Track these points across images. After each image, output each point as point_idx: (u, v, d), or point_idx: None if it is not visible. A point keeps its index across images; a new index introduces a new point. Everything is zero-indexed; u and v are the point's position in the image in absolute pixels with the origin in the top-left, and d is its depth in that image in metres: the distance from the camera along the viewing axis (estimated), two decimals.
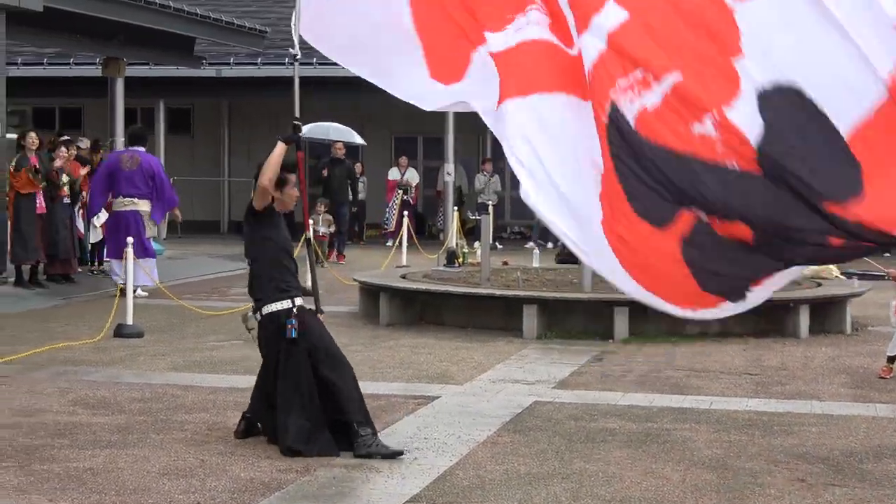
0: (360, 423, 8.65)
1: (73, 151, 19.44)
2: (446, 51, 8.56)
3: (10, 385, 11.11)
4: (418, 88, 8.66)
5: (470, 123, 32.12)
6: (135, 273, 16.23)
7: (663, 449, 8.99)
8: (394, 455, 8.52)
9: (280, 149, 8.85)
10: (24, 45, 27.11)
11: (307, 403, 8.73)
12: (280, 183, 8.95)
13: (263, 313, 9.01)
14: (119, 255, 17.44)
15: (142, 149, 19.07)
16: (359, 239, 30.63)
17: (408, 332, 14.98)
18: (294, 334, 8.76)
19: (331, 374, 8.80)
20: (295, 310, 8.87)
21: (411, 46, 8.63)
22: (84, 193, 19.54)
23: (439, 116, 29.67)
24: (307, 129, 25.58)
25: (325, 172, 25.57)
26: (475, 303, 15.38)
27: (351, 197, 26.59)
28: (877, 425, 10.00)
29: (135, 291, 16.53)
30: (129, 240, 15.22)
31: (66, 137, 20.04)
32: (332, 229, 24.28)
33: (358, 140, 27.54)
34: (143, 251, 17.91)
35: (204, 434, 9.26)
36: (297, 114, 9.22)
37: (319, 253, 22.20)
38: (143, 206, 18.43)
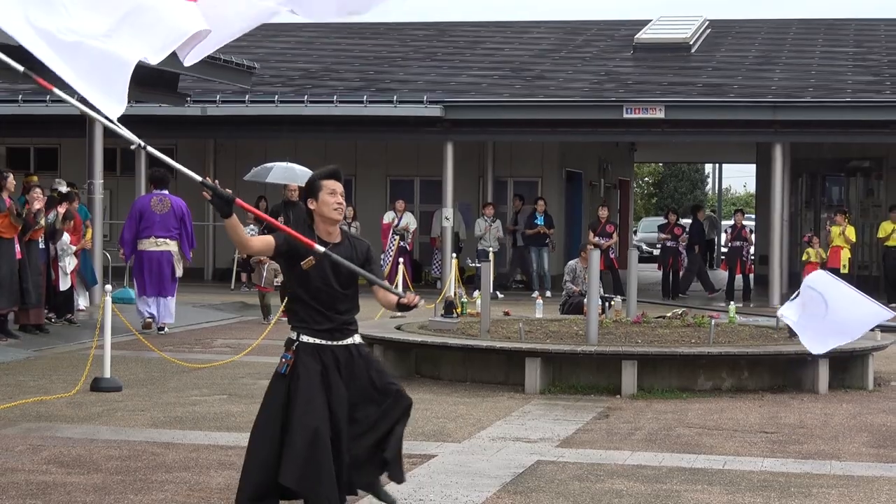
0: None
1: (50, 195, 19.62)
2: None
3: None
4: None
5: (470, 165, 32.36)
6: (158, 310, 20.17)
7: None
8: None
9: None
10: None
11: None
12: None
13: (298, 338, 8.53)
14: (150, 292, 20.14)
15: (166, 191, 20.65)
16: None
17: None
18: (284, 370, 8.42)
19: None
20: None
21: None
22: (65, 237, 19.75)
23: (437, 158, 29.81)
24: (274, 171, 25.40)
25: (281, 217, 24.85)
26: (474, 355, 15.36)
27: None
28: None
29: (161, 329, 20.17)
30: (108, 287, 15.30)
31: (64, 186, 20.40)
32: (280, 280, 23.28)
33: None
34: (174, 290, 20.46)
35: (185, 494, 9.24)
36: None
37: (264, 308, 22.42)
38: (173, 246, 20.34)
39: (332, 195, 8.36)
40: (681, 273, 31.81)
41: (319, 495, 7.94)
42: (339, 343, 8.36)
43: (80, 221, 20.65)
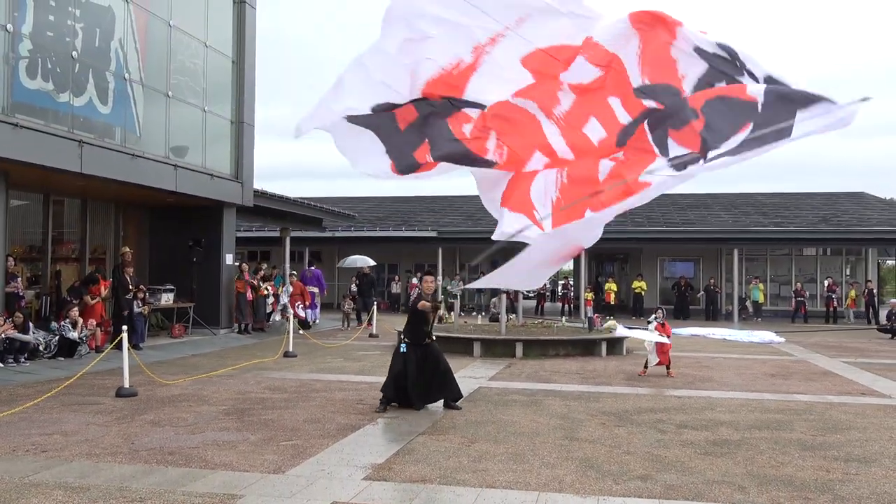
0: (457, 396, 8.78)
1: (265, 272, 19.69)
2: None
3: (234, 379, 10.96)
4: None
5: (450, 257, 32.27)
6: (310, 316, 20.91)
7: (538, 409, 8.90)
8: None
9: (429, 306, 8.60)
10: (241, 223, 27.23)
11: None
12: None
13: (406, 339, 8.77)
14: (308, 307, 21.14)
15: (314, 268, 22.58)
16: (395, 311, 30.46)
17: None
18: (404, 349, 8.64)
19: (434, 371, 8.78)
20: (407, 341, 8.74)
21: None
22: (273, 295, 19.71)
23: (434, 254, 29.72)
24: (349, 260, 25.27)
25: (357, 281, 24.51)
26: (452, 339, 15.16)
27: (373, 294, 23.84)
28: (639, 397, 9.91)
29: (312, 323, 20.87)
30: (290, 310, 15.19)
31: (277, 269, 20.58)
32: (353, 307, 22.39)
33: (372, 263, 26.47)
34: (314, 307, 21.29)
35: (324, 402, 9.14)
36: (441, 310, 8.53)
37: (349, 319, 21.93)
38: (316, 290, 21.75)
39: (426, 282, 9.03)
40: (544, 305, 31.58)
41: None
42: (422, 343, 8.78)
43: (300, 285, 20.55)
